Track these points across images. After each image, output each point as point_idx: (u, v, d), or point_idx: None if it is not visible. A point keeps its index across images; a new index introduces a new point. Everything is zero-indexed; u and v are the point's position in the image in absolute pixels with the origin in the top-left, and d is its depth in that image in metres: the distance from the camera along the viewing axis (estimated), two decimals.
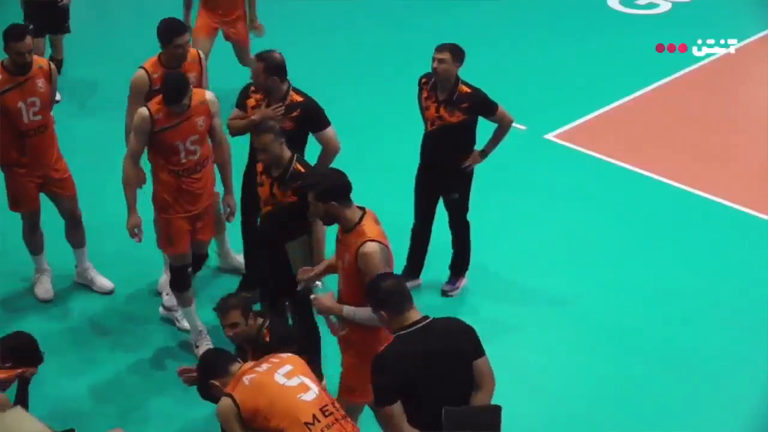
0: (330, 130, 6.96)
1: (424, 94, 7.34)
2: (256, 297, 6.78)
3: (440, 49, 7.17)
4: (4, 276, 7.88)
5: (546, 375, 7.07)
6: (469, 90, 7.23)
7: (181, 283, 6.94)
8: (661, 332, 7.51)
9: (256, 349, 5.78)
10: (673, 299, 7.87)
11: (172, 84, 6.56)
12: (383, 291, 4.94)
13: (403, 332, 4.90)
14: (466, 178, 7.52)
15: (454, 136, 7.29)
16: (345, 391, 5.89)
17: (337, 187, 5.61)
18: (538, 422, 6.64)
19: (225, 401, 5.04)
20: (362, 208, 5.68)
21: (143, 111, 6.61)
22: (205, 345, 6.96)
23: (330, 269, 6.04)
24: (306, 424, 4.94)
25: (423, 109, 7.40)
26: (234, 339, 5.88)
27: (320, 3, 13.37)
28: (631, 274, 8.16)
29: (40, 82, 7.17)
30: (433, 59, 7.17)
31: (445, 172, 7.43)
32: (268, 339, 5.82)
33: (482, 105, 7.26)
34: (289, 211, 6.32)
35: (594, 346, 7.37)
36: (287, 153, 6.32)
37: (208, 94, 6.79)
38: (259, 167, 6.42)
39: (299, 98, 6.91)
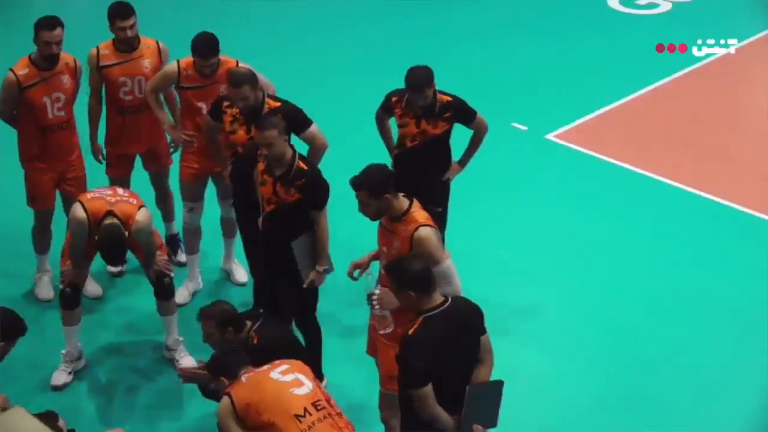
0: (314, 128, 6.86)
1: (398, 112, 7.10)
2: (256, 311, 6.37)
3: (417, 90, 6.89)
4: (5, 276, 7.88)
5: (546, 375, 7.07)
6: (449, 98, 7.07)
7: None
8: (660, 332, 7.50)
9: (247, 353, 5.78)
10: (673, 299, 7.86)
11: None
12: (415, 272, 5.00)
13: (430, 314, 4.97)
14: (447, 190, 7.34)
15: (437, 149, 7.12)
16: (389, 380, 5.87)
17: (389, 180, 5.68)
18: (538, 422, 6.64)
19: (224, 400, 5.15)
20: (408, 196, 5.75)
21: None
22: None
23: (375, 258, 6.04)
24: (296, 416, 5.00)
25: (399, 128, 7.14)
26: (211, 346, 5.88)
27: (318, 3, 13.37)
28: (631, 274, 8.15)
29: (65, 78, 7.21)
30: (418, 98, 6.92)
31: (427, 187, 6.98)
32: (256, 342, 5.81)
33: (464, 111, 7.13)
34: (293, 209, 6.31)
35: (594, 346, 7.36)
36: (290, 150, 6.30)
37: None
38: (260, 167, 6.41)
39: (276, 104, 6.80)
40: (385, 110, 7.25)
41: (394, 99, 7.14)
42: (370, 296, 5.63)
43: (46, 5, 13.29)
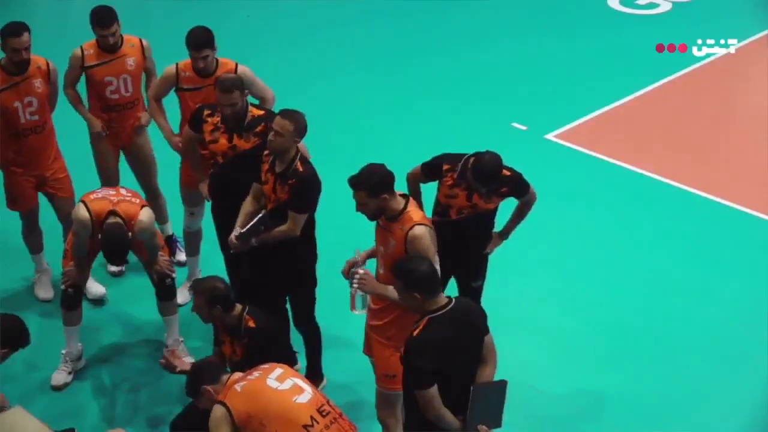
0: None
1: (448, 182, 6.32)
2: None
3: (489, 185, 6.16)
4: (4, 276, 7.89)
5: (545, 374, 7.07)
6: (508, 173, 6.28)
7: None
8: (660, 331, 7.51)
9: (236, 337, 5.84)
10: (673, 299, 7.87)
11: None
12: (420, 273, 4.98)
13: (436, 315, 4.96)
14: (487, 263, 6.74)
15: (485, 222, 6.50)
16: (384, 379, 5.90)
17: (387, 179, 5.63)
18: (539, 421, 6.65)
19: (217, 409, 5.01)
20: (405, 195, 5.74)
21: None
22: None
23: (371, 256, 6.02)
24: (305, 426, 4.92)
25: (443, 196, 6.37)
26: (201, 319, 5.98)
27: (317, 2, 13.38)
28: (631, 274, 8.16)
29: (38, 82, 7.18)
30: (484, 189, 6.21)
31: (471, 259, 6.58)
32: (252, 325, 5.81)
33: (520, 186, 6.42)
34: (287, 208, 6.28)
35: (594, 345, 7.37)
36: (294, 151, 6.24)
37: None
38: (264, 166, 6.38)
39: (260, 112, 6.63)
40: (427, 174, 6.42)
41: (446, 167, 6.32)
42: (352, 272, 5.61)
43: (47, 5, 13.36)
